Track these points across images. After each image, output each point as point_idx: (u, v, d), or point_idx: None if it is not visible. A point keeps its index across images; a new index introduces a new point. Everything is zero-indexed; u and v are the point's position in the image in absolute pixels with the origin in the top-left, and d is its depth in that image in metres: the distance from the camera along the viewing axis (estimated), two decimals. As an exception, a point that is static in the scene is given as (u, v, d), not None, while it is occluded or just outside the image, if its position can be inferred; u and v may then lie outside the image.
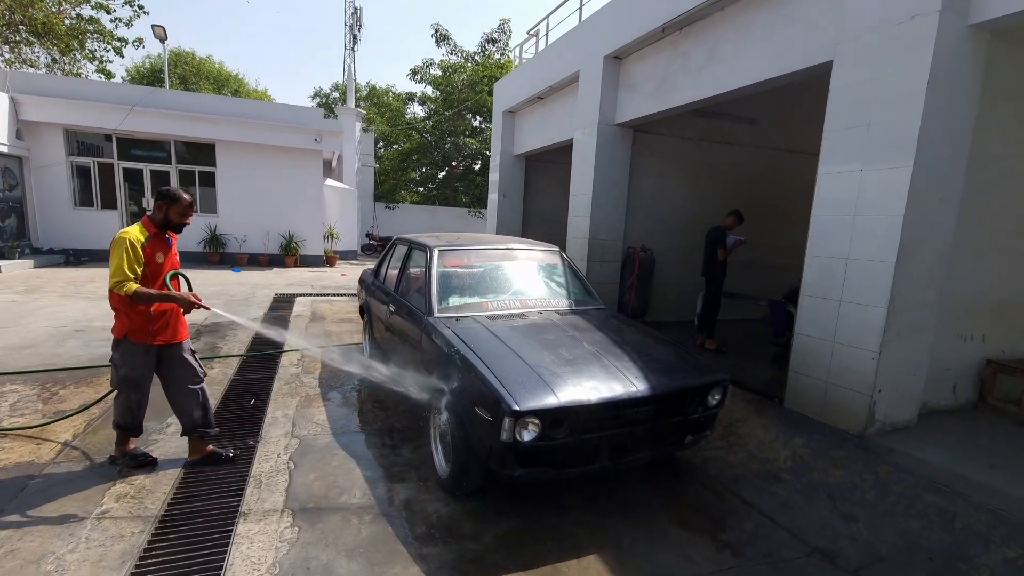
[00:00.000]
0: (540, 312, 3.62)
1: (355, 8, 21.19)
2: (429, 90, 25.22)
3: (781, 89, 5.14)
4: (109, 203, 12.61)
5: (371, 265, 6.62)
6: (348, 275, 12.37)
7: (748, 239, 6.63)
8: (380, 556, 2.34)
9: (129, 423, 2.96)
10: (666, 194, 7.80)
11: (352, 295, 9.01)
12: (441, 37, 23.09)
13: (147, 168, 12.80)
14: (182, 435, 3.08)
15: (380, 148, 26.35)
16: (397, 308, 4.03)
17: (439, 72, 23.72)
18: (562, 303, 3.84)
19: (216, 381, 4.50)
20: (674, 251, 7.66)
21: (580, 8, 8.36)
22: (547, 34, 9.98)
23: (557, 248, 4.40)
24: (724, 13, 5.36)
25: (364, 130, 21.58)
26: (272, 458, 3.19)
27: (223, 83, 28.18)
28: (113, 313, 2.85)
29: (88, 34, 16.50)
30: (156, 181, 12.87)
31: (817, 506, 3.05)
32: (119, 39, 17.01)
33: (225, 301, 8.14)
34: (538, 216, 11.21)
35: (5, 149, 10.72)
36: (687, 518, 2.86)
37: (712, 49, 5.52)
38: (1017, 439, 3.84)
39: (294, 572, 2.20)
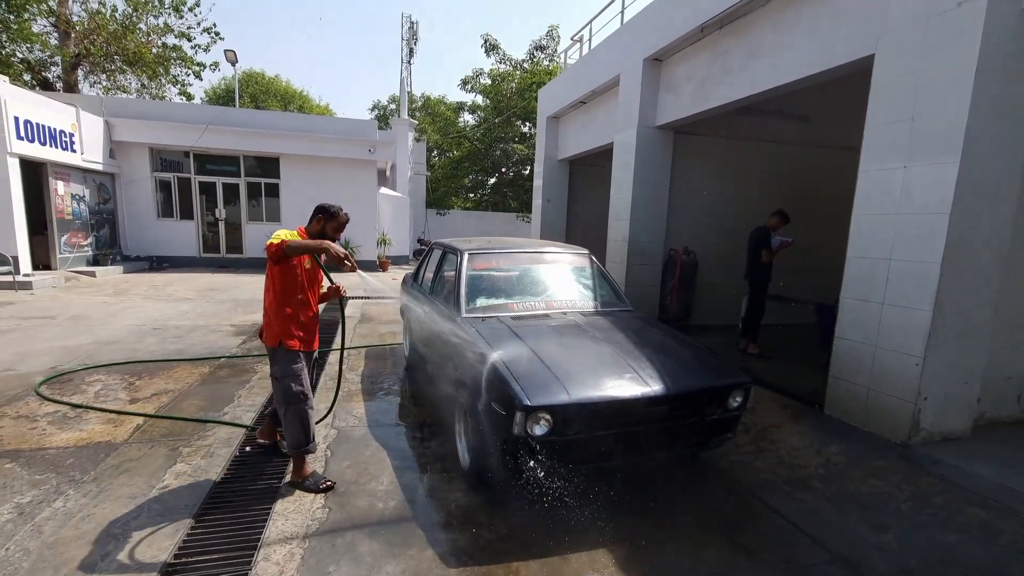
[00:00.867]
0: (564, 313, 3.71)
1: (412, 23, 22.05)
2: (479, 99, 25.77)
3: (835, 83, 4.91)
4: (187, 214, 13.81)
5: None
6: (398, 279, 12.85)
7: (800, 240, 6.39)
8: (399, 538, 2.51)
9: (303, 440, 2.88)
10: (710, 195, 7.64)
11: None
12: (490, 47, 23.59)
13: (219, 181, 13.91)
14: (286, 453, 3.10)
15: (433, 156, 27.16)
16: (432, 309, 4.23)
17: (488, 81, 24.20)
18: (588, 305, 3.91)
19: (267, 377, 4.87)
20: (719, 253, 7.47)
21: (622, 12, 8.36)
22: (590, 39, 10.02)
23: (587, 251, 4.47)
24: (765, 9, 5.24)
25: (417, 139, 22.34)
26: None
27: (289, 100, 30.04)
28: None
29: (172, 61, 18.16)
30: (227, 193, 13.98)
31: (846, 515, 2.94)
32: (198, 64, 18.63)
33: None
34: (582, 220, 11.23)
35: (100, 167, 12.00)
36: (706, 520, 2.85)
37: (752, 47, 5.41)
38: (1087, 455, 3.53)
39: (320, 547, 2.41)
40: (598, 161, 10.10)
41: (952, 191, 3.34)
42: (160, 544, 2.38)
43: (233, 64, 17.59)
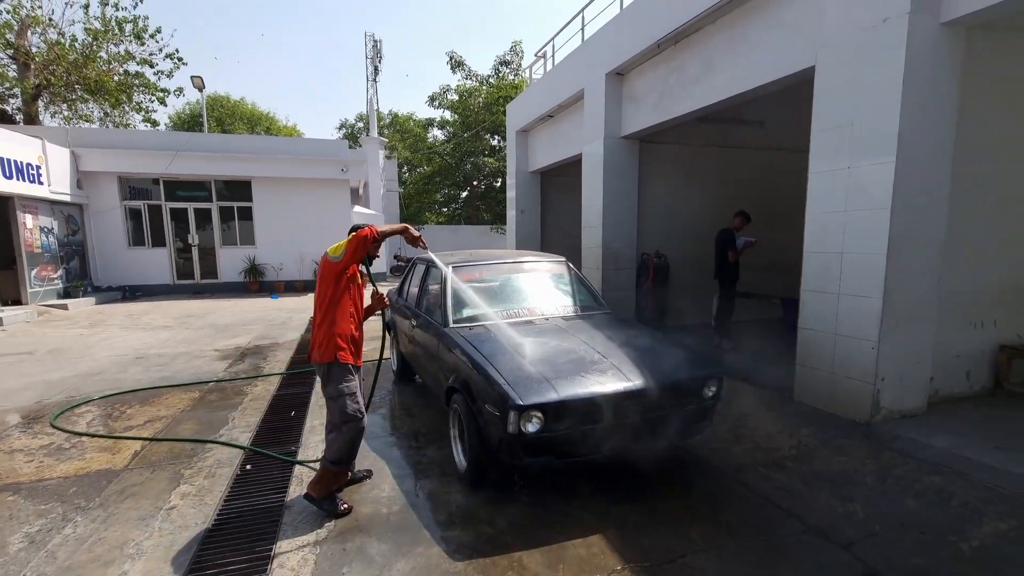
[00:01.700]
0: (547, 318, 3.91)
1: (375, 41, 22.24)
2: (447, 115, 26.07)
3: (787, 89, 5.26)
4: (159, 241, 13.63)
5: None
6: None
7: (763, 239, 6.76)
8: (406, 539, 2.65)
9: (347, 459, 2.88)
10: (678, 200, 8.00)
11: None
12: (456, 63, 23.93)
13: (191, 207, 13.79)
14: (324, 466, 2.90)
15: (404, 173, 27.28)
16: (418, 322, 4.38)
17: (455, 97, 24.53)
18: (568, 309, 4.12)
19: (260, 397, 4.95)
20: (690, 256, 7.81)
21: (583, 28, 8.74)
22: (554, 55, 10.39)
23: (564, 259, 4.69)
24: (715, 26, 5.62)
25: (388, 157, 22.46)
26: (311, 461, 3.56)
27: (256, 122, 29.85)
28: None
29: (135, 88, 17.92)
30: (200, 218, 13.85)
31: (817, 491, 3.19)
32: (162, 90, 18.42)
33: (265, 326, 8.75)
34: (556, 229, 11.53)
35: (68, 198, 11.79)
36: (690, 503, 3.06)
37: (706, 60, 5.77)
38: (1028, 421, 3.88)
39: (332, 552, 2.54)
40: (568, 171, 10.43)
41: (891, 188, 3.68)
42: (175, 560, 2.47)
43: (200, 90, 17.49)
